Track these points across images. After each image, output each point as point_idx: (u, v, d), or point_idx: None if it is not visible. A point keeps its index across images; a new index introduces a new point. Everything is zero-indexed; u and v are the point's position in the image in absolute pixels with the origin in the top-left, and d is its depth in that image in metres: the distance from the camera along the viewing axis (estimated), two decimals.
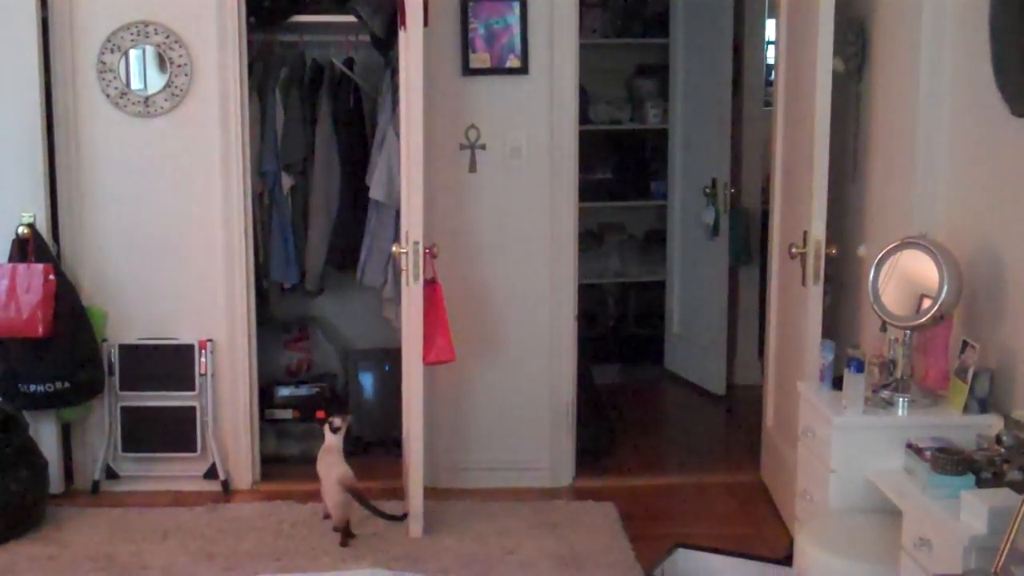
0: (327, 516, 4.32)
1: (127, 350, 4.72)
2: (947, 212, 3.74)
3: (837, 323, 4.40)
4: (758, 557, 3.87)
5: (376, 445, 5.15)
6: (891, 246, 3.56)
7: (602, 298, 6.90)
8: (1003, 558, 2.51)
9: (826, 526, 3.34)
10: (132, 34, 4.60)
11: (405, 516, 4.27)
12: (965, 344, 3.33)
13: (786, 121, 4.65)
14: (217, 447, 4.76)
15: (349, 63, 5.13)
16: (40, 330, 4.40)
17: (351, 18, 4.85)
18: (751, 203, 6.28)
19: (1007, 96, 3.26)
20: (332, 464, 4.27)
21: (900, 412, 3.39)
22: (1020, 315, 3.26)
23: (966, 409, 3.31)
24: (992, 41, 3.32)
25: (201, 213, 4.70)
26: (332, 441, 4.34)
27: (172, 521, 4.42)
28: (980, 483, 2.89)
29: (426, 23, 4.16)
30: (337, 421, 4.37)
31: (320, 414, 5.01)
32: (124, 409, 4.74)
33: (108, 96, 4.62)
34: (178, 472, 4.79)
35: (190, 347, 4.72)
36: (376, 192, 4.82)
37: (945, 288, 3.32)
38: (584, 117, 5.69)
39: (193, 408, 4.73)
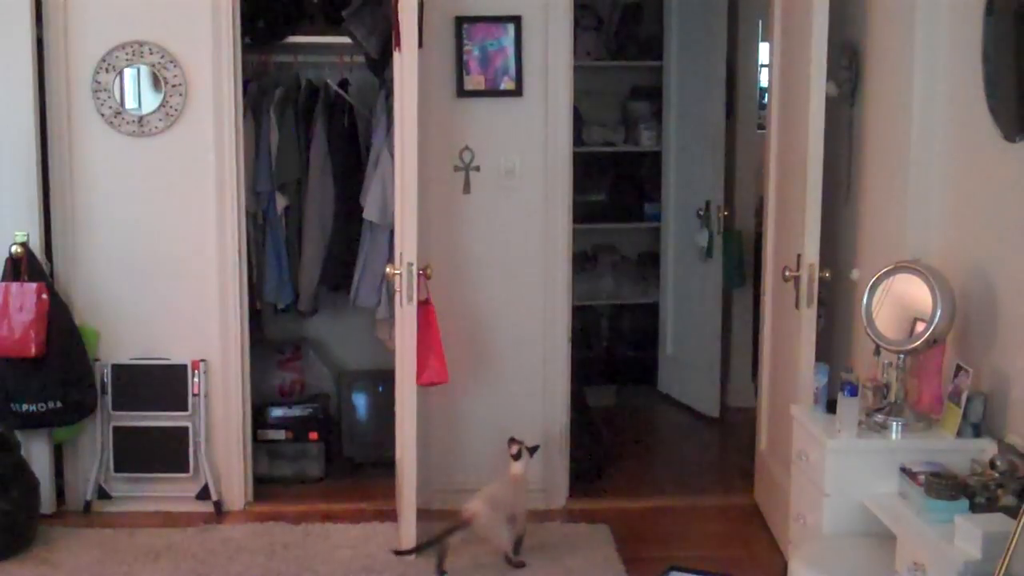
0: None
1: (120, 370, 4.70)
2: (940, 236, 3.75)
3: (831, 346, 4.40)
4: None
5: (369, 466, 5.15)
6: (884, 270, 3.57)
7: (596, 320, 6.90)
8: None
9: (820, 550, 3.34)
10: (127, 54, 4.60)
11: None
12: (959, 368, 3.33)
13: (779, 144, 4.66)
14: (209, 467, 4.74)
15: (344, 84, 5.14)
16: (32, 349, 4.40)
17: (346, 39, 4.87)
18: (744, 225, 6.28)
19: (999, 121, 3.28)
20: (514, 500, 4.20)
21: (894, 436, 3.39)
22: (1013, 339, 3.27)
23: (960, 433, 3.31)
24: (984, 66, 3.34)
25: (195, 233, 4.70)
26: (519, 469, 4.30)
27: (164, 542, 4.40)
28: (974, 508, 2.89)
29: (421, 45, 4.16)
30: (515, 447, 4.31)
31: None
32: (116, 429, 4.72)
33: (102, 115, 4.62)
34: (170, 492, 4.77)
35: (183, 367, 4.70)
36: (370, 213, 4.83)
37: (938, 312, 3.33)
38: (578, 139, 5.69)
39: (186, 428, 4.71)
